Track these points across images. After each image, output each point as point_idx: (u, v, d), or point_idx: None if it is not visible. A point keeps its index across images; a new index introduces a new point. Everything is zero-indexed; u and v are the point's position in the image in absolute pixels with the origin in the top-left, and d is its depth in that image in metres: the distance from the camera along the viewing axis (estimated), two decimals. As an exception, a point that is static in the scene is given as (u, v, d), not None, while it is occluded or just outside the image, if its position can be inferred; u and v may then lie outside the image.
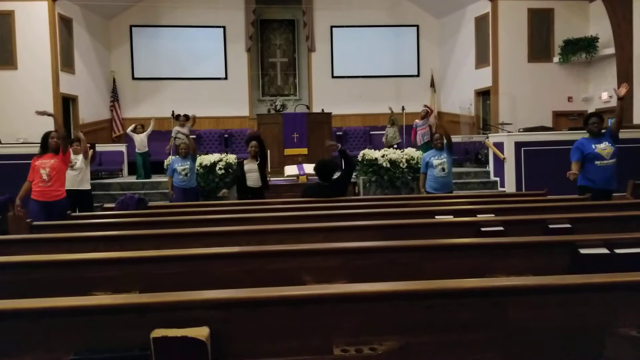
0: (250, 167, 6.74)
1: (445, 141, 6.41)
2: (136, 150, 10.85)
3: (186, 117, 10.82)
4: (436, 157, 6.42)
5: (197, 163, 8.22)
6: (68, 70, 11.89)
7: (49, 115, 5.91)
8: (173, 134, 10.57)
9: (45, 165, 5.55)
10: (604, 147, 5.46)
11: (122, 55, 14.05)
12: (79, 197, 6.60)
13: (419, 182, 6.91)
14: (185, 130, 10.62)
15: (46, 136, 5.70)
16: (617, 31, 10.51)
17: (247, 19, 14.21)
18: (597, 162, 5.42)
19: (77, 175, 6.70)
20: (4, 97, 11.01)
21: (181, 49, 14.14)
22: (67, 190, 6.01)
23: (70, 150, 6.70)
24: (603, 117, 5.87)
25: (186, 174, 7.33)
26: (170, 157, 8.85)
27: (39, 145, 5.76)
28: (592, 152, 5.45)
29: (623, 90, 5.49)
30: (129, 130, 11.39)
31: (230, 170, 8.53)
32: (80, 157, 6.89)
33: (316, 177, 5.83)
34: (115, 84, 13.88)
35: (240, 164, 6.94)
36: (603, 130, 5.63)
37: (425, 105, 12.47)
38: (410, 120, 12.80)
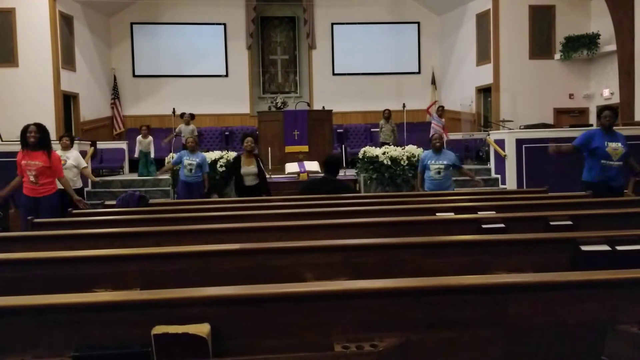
0: (247, 171, 6.59)
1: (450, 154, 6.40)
2: (140, 149, 10.81)
3: (191, 115, 10.79)
4: (433, 161, 6.30)
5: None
6: (69, 67, 11.89)
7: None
8: (176, 131, 10.57)
9: (30, 167, 5.43)
10: (615, 147, 5.26)
11: (122, 53, 14.05)
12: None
13: (417, 182, 6.90)
14: (189, 128, 10.61)
15: (24, 131, 5.46)
16: (619, 28, 10.48)
17: (248, 16, 14.20)
18: (603, 161, 5.27)
19: (69, 173, 6.64)
20: (4, 94, 11.02)
21: (182, 46, 14.14)
22: (61, 190, 5.98)
23: (60, 144, 6.61)
24: (617, 111, 5.58)
25: (191, 170, 7.36)
26: (171, 154, 8.86)
27: (19, 141, 5.55)
28: (602, 148, 5.26)
29: None
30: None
31: (231, 168, 8.51)
32: (71, 154, 6.82)
33: (315, 175, 5.86)
34: (116, 81, 13.88)
35: (236, 160, 6.82)
36: (618, 129, 5.45)
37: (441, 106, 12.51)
38: (411, 118, 12.82)
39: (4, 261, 2.62)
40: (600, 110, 5.51)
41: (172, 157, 8.12)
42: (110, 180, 10.27)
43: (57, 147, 6.88)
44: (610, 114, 5.34)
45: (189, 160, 7.37)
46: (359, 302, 1.86)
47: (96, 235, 3.45)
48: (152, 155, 10.79)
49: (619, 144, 5.28)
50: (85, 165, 7.09)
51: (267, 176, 7.17)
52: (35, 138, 5.39)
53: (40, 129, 5.46)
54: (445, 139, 10.28)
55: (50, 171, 5.56)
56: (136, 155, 10.96)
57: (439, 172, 6.26)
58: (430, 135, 6.71)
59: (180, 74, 14.17)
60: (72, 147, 7.01)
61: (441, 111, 11.93)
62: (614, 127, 5.53)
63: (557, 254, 2.68)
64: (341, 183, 5.80)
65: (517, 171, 9.38)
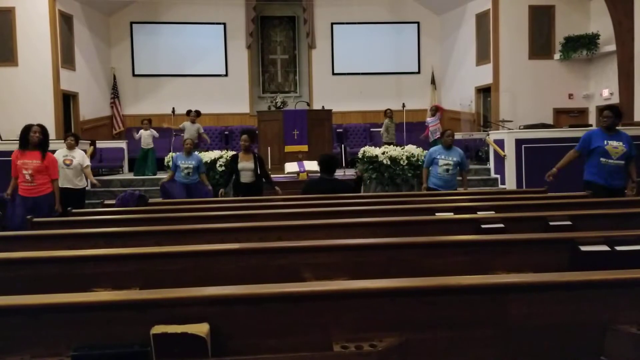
0: (244, 166, 6.61)
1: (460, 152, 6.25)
2: (141, 146, 10.80)
3: (197, 113, 10.77)
4: (443, 157, 6.15)
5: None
6: (68, 67, 11.89)
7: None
8: (180, 127, 10.55)
9: (27, 167, 5.42)
10: (615, 146, 5.16)
11: (122, 52, 14.05)
12: (74, 195, 6.53)
13: (421, 177, 6.70)
14: (194, 127, 10.58)
15: (27, 130, 5.45)
16: (618, 28, 10.48)
17: (248, 15, 14.21)
18: (602, 159, 5.21)
19: (74, 172, 6.61)
20: (4, 93, 11.01)
21: (181, 45, 14.14)
22: (64, 188, 5.95)
23: (65, 144, 6.61)
24: (620, 112, 5.38)
25: (188, 173, 7.30)
26: (171, 153, 8.85)
27: (18, 140, 5.52)
28: (601, 146, 5.19)
29: None
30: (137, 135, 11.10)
31: (230, 167, 8.50)
32: (76, 154, 6.78)
33: (315, 174, 5.84)
34: (116, 80, 13.88)
35: (233, 158, 6.82)
36: (623, 131, 5.30)
37: (435, 105, 12.57)
38: (411, 117, 12.82)
39: (4, 261, 2.61)
40: (601, 110, 5.44)
41: (172, 157, 8.10)
42: (109, 179, 10.27)
43: (61, 147, 6.89)
44: (609, 114, 5.25)
45: (185, 164, 7.29)
46: (359, 302, 1.86)
47: (96, 235, 3.44)
48: (156, 134, 10.79)
49: (620, 143, 5.19)
50: (88, 164, 7.04)
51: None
52: (38, 138, 5.43)
53: (43, 130, 5.51)
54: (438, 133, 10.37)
55: (46, 171, 5.56)
56: (137, 136, 10.94)
57: (447, 170, 6.13)
58: (443, 131, 6.55)
59: (180, 74, 14.17)
60: (76, 146, 6.97)
61: (434, 110, 11.98)
62: (619, 127, 5.42)
63: (556, 254, 2.68)
64: (338, 183, 5.70)
65: (517, 171, 9.39)
